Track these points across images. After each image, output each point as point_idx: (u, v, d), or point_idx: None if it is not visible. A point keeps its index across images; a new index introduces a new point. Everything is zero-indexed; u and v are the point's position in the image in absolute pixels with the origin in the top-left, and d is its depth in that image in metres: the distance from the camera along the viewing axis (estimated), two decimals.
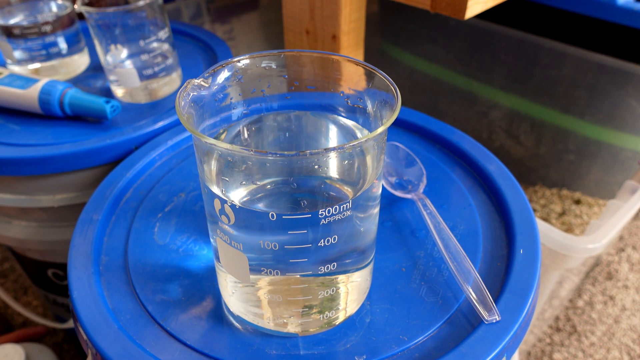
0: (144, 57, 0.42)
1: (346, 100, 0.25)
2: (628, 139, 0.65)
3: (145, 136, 0.39)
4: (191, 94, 0.21)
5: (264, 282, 0.23)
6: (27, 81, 0.42)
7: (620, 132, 0.65)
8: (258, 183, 0.24)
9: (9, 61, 0.47)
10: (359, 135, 0.25)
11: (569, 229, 0.70)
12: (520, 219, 0.30)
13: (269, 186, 0.24)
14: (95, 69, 0.50)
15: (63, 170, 0.39)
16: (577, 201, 0.74)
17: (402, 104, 0.23)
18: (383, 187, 0.33)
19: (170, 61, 0.44)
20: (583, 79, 0.64)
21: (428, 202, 0.31)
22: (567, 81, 0.66)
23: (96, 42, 0.42)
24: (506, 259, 0.28)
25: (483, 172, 0.34)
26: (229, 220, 0.21)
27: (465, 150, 0.36)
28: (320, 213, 0.20)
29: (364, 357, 0.23)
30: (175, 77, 0.46)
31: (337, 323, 0.25)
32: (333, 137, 0.27)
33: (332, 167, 0.24)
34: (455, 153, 0.37)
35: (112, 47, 0.42)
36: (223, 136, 0.25)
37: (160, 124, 0.40)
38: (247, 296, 0.24)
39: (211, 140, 0.19)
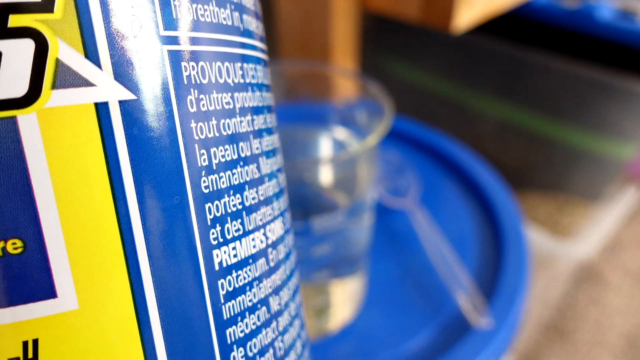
0: None
1: (339, 112, 0.26)
2: (613, 145, 0.67)
3: None
4: None
5: None
6: None
7: (605, 138, 0.67)
8: None
9: None
10: (351, 146, 0.26)
11: (558, 234, 0.71)
12: (509, 225, 0.30)
13: None
14: None
15: None
16: (566, 206, 0.75)
17: (395, 113, 0.24)
18: (375, 196, 0.34)
19: None
20: (570, 90, 0.66)
21: (420, 211, 0.31)
22: (554, 91, 0.67)
23: None
24: (496, 265, 0.29)
25: (473, 179, 0.35)
26: None
27: (457, 159, 0.36)
28: (313, 223, 0.20)
29: None
30: None
31: (331, 330, 0.25)
32: (326, 147, 0.27)
33: (325, 177, 0.24)
34: (447, 161, 0.37)
35: None
36: None
37: None
38: None
39: None
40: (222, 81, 0.09)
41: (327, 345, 0.25)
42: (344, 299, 0.25)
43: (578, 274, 0.74)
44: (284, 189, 0.11)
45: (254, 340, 0.10)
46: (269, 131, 0.11)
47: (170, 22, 0.09)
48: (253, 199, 0.10)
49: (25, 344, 0.08)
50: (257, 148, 0.10)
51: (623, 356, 0.66)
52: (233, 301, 0.09)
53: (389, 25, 0.78)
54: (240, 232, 0.10)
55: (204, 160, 0.09)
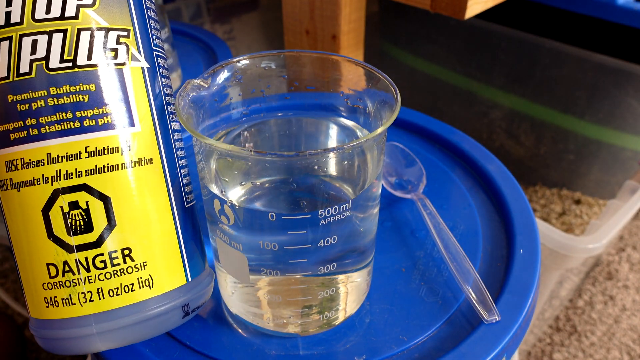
0: None
1: (346, 101, 0.25)
2: (628, 139, 0.65)
3: None
4: (191, 94, 0.21)
5: (263, 282, 0.23)
6: None
7: (620, 132, 0.65)
8: (257, 183, 0.24)
9: None
10: (358, 135, 0.25)
11: (569, 229, 0.70)
12: (520, 219, 0.30)
13: (268, 186, 0.24)
14: None
15: None
16: (577, 201, 0.74)
17: (402, 104, 0.23)
18: (383, 187, 0.33)
19: (170, 61, 0.44)
20: (583, 79, 0.64)
21: (428, 202, 0.31)
22: (567, 81, 0.66)
23: None
24: (506, 259, 0.28)
25: (483, 172, 0.34)
26: (229, 221, 0.21)
27: (465, 150, 0.36)
28: (319, 213, 0.20)
29: (364, 357, 0.23)
30: (175, 77, 0.46)
31: (336, 323, 0.25)
32: (333, 137, 0.27)
33: (332, 167, 0.24)
34: (455, 153, 0.37)
35: None
36: (222, 136, 0.25)
37: None
38: (247, 296, 0.24)
39: (210, 141, 0.19)
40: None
41: (333, 339, 0.24)
42: (350, 291, 0.24)
43: (590, 270, 0.73)
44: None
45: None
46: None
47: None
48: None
49: None
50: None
51: (633, 351, 0.65)
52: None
53: (396, 12, 0.76)
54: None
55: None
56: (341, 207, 0.20)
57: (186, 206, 0.22)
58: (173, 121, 0.22)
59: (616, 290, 0.72)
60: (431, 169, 0.35)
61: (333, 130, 0.27)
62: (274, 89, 0.25)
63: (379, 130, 0.19)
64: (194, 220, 0.23)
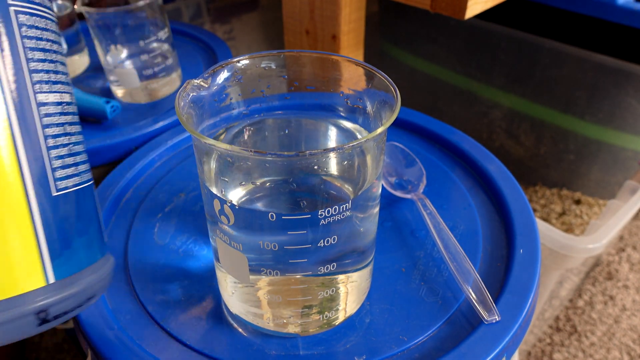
0: (144, 57, 0.42)
1: (346, 101, 0.25)
2: (628, 139, 0.65)
3: (145, 136, 0.39)
4: (191, 94, 0.21)
5: (263, 282, 0.23)
6: None
7: (620, 132, 0.65)
8: (257, 183, 0.24)
9: None
10: (358, 135, 0.25)
11: (569, 229, 0.70)
12: (520, 219, 0.30)
13: (268, 186, 0.24)
14: (95, 69, 0.50)
15: None
16: (577, 201, 0.73)
17: (402, 104, 0.23)
18: (383, 187, 0.33)
19: (170, 61, 0.44)
20: (583, 79, 0.64)
21: (428, 202, 0.31)
22: (567, 81, 0.66)
23: (96, 43, 0.42)
24: (506, 259, 0.28)
25: (483, 172, 0.34)
26: (229, 221, 0.21)
27: (465, 150, 0.36)
28: (319, 213, 0.20)
29: (364, 357, 0.23)
30: (175, 77, 0.46)
31: (337, 323, 0.25)
32: (333, 137, 0.27)
33: (332, 167, 0.24)
34: (455, 153, 0.37)
35: (112, 47, 0.42)
36: (222, 136, 0.25)
37: (160, 124, 0.40)
38: (247, 296, 0.24)
39: (210, 141, 0.19)
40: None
41: (333, 339, 0.24)
42: (350, 291, 0.24)
43: (590, 270, 0.73)
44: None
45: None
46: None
47: None
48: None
49: None
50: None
51: (633, 351, 0.65)
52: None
53: (396, 12, 0.76)
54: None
55: None
56: (341, 207, 0.20)
57: (55, 194, 0.19)
58: (40, 92, 0.18)
59: (616, 290, 0.72)
60: (431, 169, 0.35)
61: (333, 130, 0.27)
62: (274, 89, 0.25)
63: (379, 130, 0.19)
64: (70, 209, 0.19)
